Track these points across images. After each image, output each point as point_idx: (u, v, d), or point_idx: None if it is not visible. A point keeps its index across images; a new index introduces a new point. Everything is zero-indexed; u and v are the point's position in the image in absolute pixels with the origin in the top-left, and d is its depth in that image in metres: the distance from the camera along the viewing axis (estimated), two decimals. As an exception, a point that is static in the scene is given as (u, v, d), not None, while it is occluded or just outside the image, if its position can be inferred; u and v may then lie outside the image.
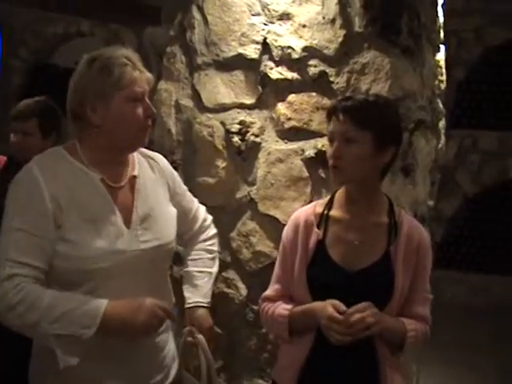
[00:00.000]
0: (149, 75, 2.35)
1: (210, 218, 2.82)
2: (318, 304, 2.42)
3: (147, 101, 2.31)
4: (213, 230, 2.80)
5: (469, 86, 8.51)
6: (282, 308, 2.55)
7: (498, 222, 8.54)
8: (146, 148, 2.50)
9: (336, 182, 2.50)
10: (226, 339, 3.43)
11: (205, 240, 2.75)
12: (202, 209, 2.81)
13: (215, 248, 2.77)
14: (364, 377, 2.48)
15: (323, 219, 2.53)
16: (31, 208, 2.18)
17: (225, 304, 3.39)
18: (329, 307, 2.35)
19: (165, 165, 2.62)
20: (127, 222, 2.31)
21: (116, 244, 2.25)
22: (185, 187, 2.71)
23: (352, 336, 2.29)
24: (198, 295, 2.65)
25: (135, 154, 2.44)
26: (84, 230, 2.21)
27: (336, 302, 2.36)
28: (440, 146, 3.78)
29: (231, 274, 3.39)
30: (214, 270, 2.74)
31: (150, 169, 2.50)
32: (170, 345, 2.54)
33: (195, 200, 2.77)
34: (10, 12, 9.89)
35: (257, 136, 3.25)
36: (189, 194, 2.74)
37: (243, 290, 3.36)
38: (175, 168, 3.39)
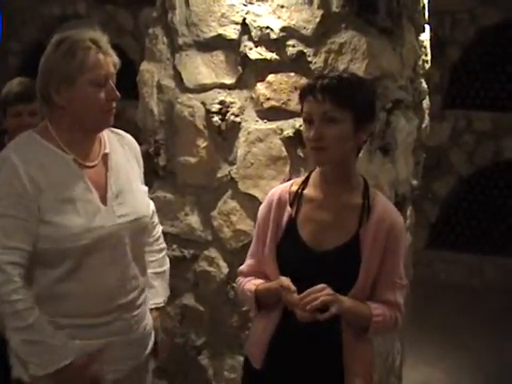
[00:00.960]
0: (115, 58, 2.40)
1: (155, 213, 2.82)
2: (274, 284, 2.48)
3: (111, 84, 2.38)
4: (159, 227, 2.84)
5: (463, 66, 8.48)
6: (251, 283, 2.61)
7: (492, 202, 8.55)
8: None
9: (318, 163, 2.50)
10: (208, 317, 3.48)
11: (155, 240, 2.79)
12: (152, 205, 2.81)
13: (164, 245, 2.83)
14: (328, 357, 2.50)
15: (297, 198, 2.55)
16: (13, 193, 2.27)
17: (207, 282, 3.45)
18: (280, 291, 2.40)
19: (134, 144, 2.69)
20: (103, 198, 2.40)
21: (94, 221, 2.33)
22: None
23: (310, 316, 2.31)
24: (155, 296, 2.72)
25: (105, 131, 2.49)
26: (62, 211, 2.29)
27: (285, 281, 2.39)
28: (424, 125, 3.80)
29: (212, 252, 3.43)
30: (167, 266, 2.83)
31: (120, 145, 2.57)
32: (147, 318, 2.62)
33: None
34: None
35: (237, 116, 3.28)
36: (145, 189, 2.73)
37: (224, 268, 3.40)
38: (157, 148, 3.45)
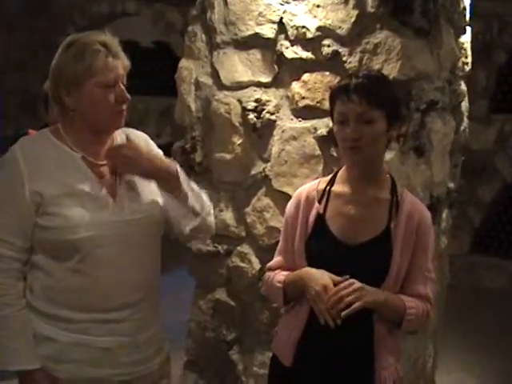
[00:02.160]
0: (125, 61, 2.44)
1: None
2: (312, 270, 2.49)
3: (121, 86, 2.41)
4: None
5: (510, 70, 8.41)
6: (281, 274, 2.64)
7: (537, 208, 8.48)
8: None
9: (353, 162, 2.53)
10: (240, 312, 3.52)
11: None
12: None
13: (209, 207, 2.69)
14: (359, 352, 2.53)
15: (325, 194, 2.59)
16: (10, 188, 2.35)
17: (239, 277, 3.48)
18: (327, 277, 2.42)
19: (143, 136, 2.70)
20: (112, 194, 2.43)
21: (102, 214, 2.39)
22: None
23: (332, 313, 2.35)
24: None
25: (117, 132, 2.55)
26: (68, 204, 2.35)
27: (333, 276, 2.42)
28: (463, 128, 3.79)
29: (245, 248, 3.46)
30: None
31: None
32: (159, 324, 2.64)
33: None
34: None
35: (272, 114, 3.31)
36: None
37: (256, 264, 3.43)
38: (194, 144, 3.50)
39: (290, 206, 2.69)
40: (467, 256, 8.55)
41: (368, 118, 2.41)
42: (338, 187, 2.59)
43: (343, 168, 2.62)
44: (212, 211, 2.68)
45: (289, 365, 2.60)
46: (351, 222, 2.52)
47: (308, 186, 2.68)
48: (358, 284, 2.37)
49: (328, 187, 2.60)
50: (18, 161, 2.35)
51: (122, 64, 2.43)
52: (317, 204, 2.58)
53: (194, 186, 2.60)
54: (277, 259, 2.73)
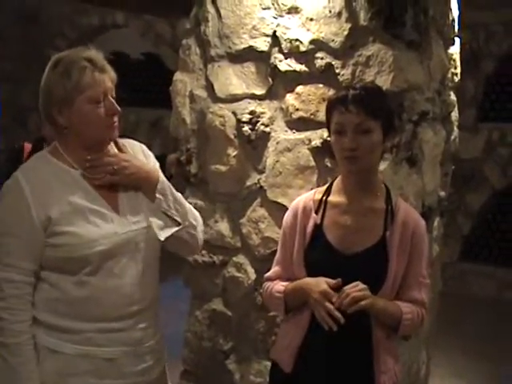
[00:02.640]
0: (112, 74, 2.48)
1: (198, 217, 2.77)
2: (310, 279, 2.55)
3: (110, 99, 2.45)
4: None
5: (497, 79, 8.49)
6: (280, 285, 2.69)
7: (526, 215, 8.55)
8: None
9: (350, 172, 2.59)
10: (236, 321, 3.55)
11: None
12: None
13: (199, 219, 2.73)
14: (358, 357, 2.58)
15: (321, 205, 2.64)
16: (17, 213, 2.39)
17: (235, 287, 3.52)
18: (323, 283, 2.47)
19: (137, 146, 2.73)
20: (115, 208, 2.48)
21: (108, 228, 2.43)
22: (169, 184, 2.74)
23: (334, 312, 2.41)
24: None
25: (113, 144, 2.59)
26: (75, 221, 2.39)
27: (329, 280, 2.48)
28: (453, 137, 3.84)
29: (241, 258, 3.50)
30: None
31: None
32: (160, 333, 2.67)
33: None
34: (48, 3, 10.09)
35: (266, 126, 3.35)
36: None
37: (252, 275, 3.47)
38: (189, 156, 3.54)
39: (287, 216, 2.74)
40: (457, 264, 8.61)
41: (365, 128, 2.47)
42: (334, 197, 2.65)
43: (338, 178, 2.68)
44: (200, 227, 2.71)
45: (289, 371, 2.64)
46: (348, 231, 2.58)
47: (304, 197, 2.73)
48: (362, 285, 2.43)
49: (324, 197, 2.66)
50: (22, 187, 2.38)
51: (109, 77, 2.47)
52: (314, 214, 2.63)
53: (182, 199, 2.65)
54: (275, 269, 2.77)
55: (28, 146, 4.09)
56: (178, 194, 2.63)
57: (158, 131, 10.06)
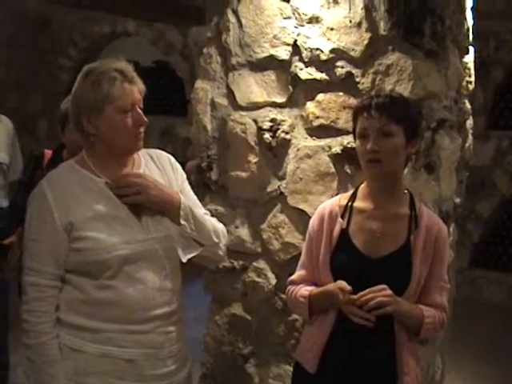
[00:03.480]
0: (141, 85, 2.56)
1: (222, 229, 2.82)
2: (330, 286, 2.62)
3: (138, 110, 2.53)
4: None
5: (507, 87, 8.54)
6: (304, 289, 2.76)
7: (535, 222, 8.58)
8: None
9: (373, 175, 2.67)
10: (256, 326, 3.60)
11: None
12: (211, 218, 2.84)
13: (222, 235, 2.78)
14: (381, 358, 2.65)
15: (347, 210, 2.72)
16: (41, 220, 2.49)
17: (255, 292, 3.57)
18: (337, 292, 2.56)
19: (164, 156, 2.80)
20: (137, 215, 2.55)
21: (129, 233, 2.51)
22: (193, 195, 2.83)
23: (363, 317, 2.47)
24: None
25: (141, 153, 2.67)
26: (97, 227, 2.47)
27: (342, 282, 2.56)
28: (467, 145, 3.89)
29: (261, 263, 3.55)
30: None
31: (154, 164, 2.71)
32: (182, 341, 2.72)
33: (203, 209, 2.85)
34: (58, 11, 10.15)
35: (287, 133, 3.41)
36: (195, 200, 2.82)
37: (272, 280, 3.52)
38: (210, 162, 3.59)
39: (313, 221, 2.81)
40: (467, 270, 8.64)
41: (387, 131, 2.55)
42: (359, 203, 2.72)
43: (364, 184, 2.76)
44: (223, 242, 2.78)
45: (313, 371, 2.70)
46: (373, 236, 2.65)
47: (330, 202, 2.80)
48: (389, 291, 2.50)
49: (350, 203, 2.73)
50: (46, 194, 2.48)
51: (137, 88, 2.55)
52: (340, 219, 2.70)
53: (205, 217, 2.71)
54: (299, 273, 2.83)
55: (48, 153, 4.14)
56: (200, 214, 2.68)
57: (169, 139, 10.11)
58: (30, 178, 4.03)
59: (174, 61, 10.12)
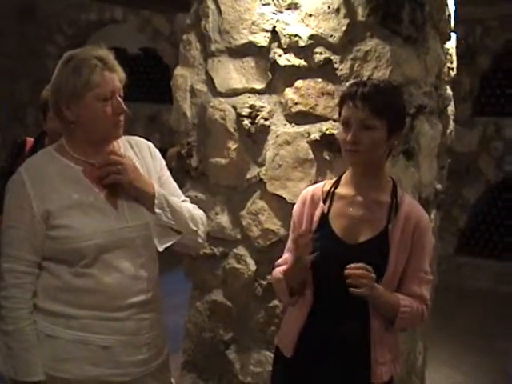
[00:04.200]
0: (121, 74, 2.55)
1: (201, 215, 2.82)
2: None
3: (118, 98, 2.52)
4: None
5: (493, 74, 8.55)
6: (281, 268, 2.77)
7: (521, 209, 8.60)
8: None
9: (351, 164, 2.68)
10: (236, 312, 3.61)
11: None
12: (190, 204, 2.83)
13: (200, 222, 2.77)
14: (355, 347, 2.64)
15: (329, 195, 2.72)
16: (18, 207, 2.48)
17: (235, 279, 3.57)
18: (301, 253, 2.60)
19: (144, 143, 2.79)
20: (114, 203, 2.54)
21: (105, 222, 2.50)
22: (172, 182, 2.82)
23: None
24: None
25: (120, 140, 2.66)
26: (73, 215, 2.47)
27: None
28: (449, 131, 3.90)
29: (241, 250, 3.56)
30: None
31: (134, 153, 2.70)
32: (160, 328, 2.73)
33: (182, 196, 2.84)
34: (45, -1, 10.13)
35: (266, 119, 3.41)
36: (174, 187, 2.82)
37: (252, 266, 3.52)
38: (190, 149, 3.59)
39: (296, 205, 2.83)
40: (453, 257, 8.67)
41: (369, 125, 2.54)
42: (341, 189, 2.72)
43: (348, 171, 2.75)
44: (202, 229, 2.76)
45: (290, 356, 2.71)
46: (352, 222, 2.65)
47: (314, 187, 2.82)
48: (373, 274, 2.49)
49: (332, 189, 2.73)
50: (24, 182, 2.47)
51: (118, 77, 2.54)
52: (321, 204, 2.71)
53: (181, 205, 2.70)
54: (284, 256, 2.85)
55: (30, 141, 4.13)
56: (176, 202, 2.67)
57: (156, 126, 10.10)
58: (11, 166, 4.01)
59: (161, 48, 10.10)
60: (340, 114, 2.66)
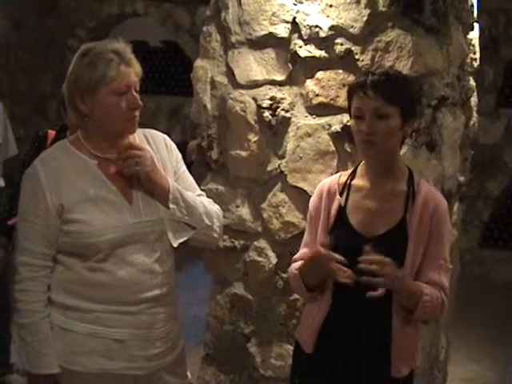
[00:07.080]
0: (137, 68, 2.54)
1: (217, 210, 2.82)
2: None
3: (133, 93, 2.51)
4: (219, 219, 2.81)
5: (517, 64, 8.47)
6: (297, 264, 2.75)
7: (545, 201, 8.52)
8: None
9: (367, 156, 2.65)
10: (257, 306, 3.59)
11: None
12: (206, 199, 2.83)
13: (215, 217, 2.77)
14: (376, 342, 2.62)
15: (346, 188, 2.70)
16: (33, 200, 2.49)
17: (256, 272, 3.56)
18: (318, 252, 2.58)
19: (159, 137, 2.78)
20: (128, 198, 2.54)
21: (119, 216, 2.50)
22: (188, 176, 2.80)
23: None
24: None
25: (136, 134, 2.64)
26: (87, 209, 2.47)
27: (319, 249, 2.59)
28: (472, 122, 3.86)
29: (262, 243, 3.54)
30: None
31: (150, 147, 2.68)
32: (174, 322, 2.73)
33: (198, 190, 2.83)
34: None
35: (287, 111, 3.38)
36: (191, 181, 2.81)
37: (273, 259, 3.51)
38: (210, 142, 3.58)
39: (312, 199, 2.81)
40: (476, 250, 8.60)
41: (382, 113, 2.51)
42: (357, 181, 2.70)
43: (363, 162, 2.73)
44: (217, 224, 2.75)
45: (310, 352, 2.70)
46: (369, 214, 2.63)
47: (330, 180, 2.79)
48: (393, 266, 2.45)
49: (348, 181, 2.71)
50: (39, 174, 2.48)
51: (134, 71, 2.53)
52: (338, 196, 2.70)
53: (196, 200, 2.69)
54: (302, 251, 2.83)
55: (52, 134, 4.14)
56: (190, 197, 2.66)
57: (178, 119, 10.07)
58: (32, 159, 4.03)
59: (183, 40, 10.06)
60: (349, 107, 2.64)
